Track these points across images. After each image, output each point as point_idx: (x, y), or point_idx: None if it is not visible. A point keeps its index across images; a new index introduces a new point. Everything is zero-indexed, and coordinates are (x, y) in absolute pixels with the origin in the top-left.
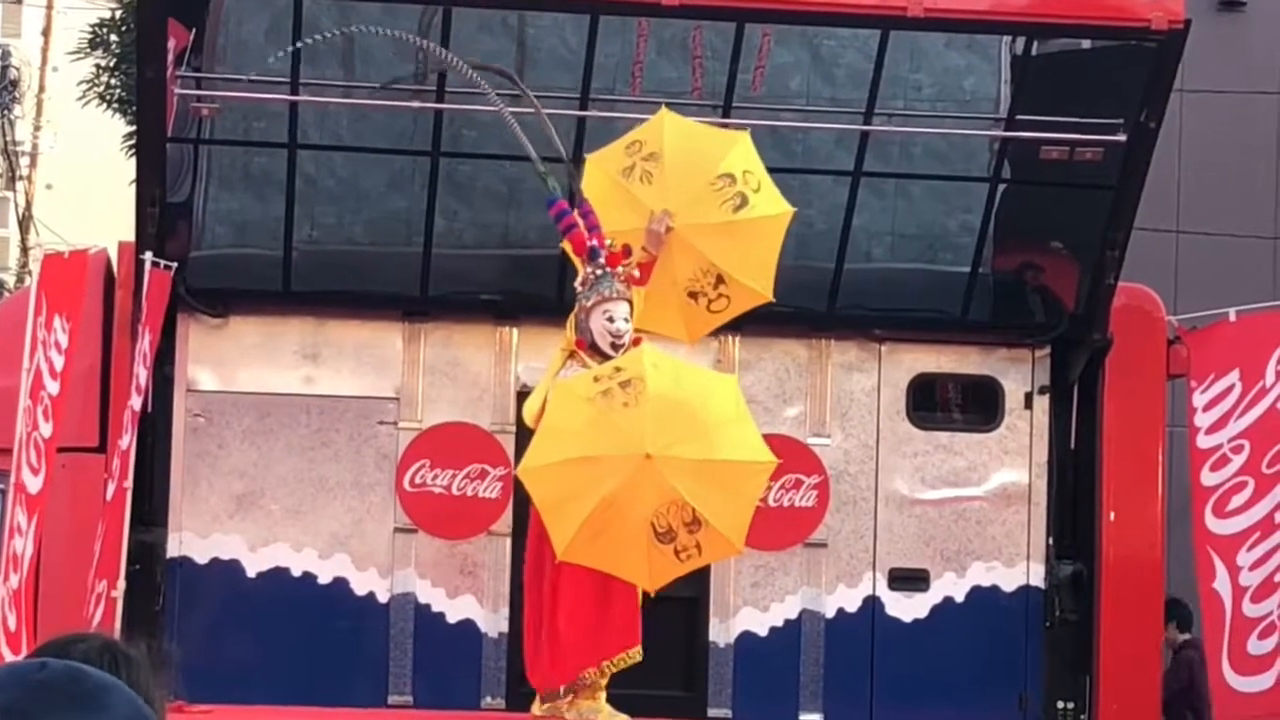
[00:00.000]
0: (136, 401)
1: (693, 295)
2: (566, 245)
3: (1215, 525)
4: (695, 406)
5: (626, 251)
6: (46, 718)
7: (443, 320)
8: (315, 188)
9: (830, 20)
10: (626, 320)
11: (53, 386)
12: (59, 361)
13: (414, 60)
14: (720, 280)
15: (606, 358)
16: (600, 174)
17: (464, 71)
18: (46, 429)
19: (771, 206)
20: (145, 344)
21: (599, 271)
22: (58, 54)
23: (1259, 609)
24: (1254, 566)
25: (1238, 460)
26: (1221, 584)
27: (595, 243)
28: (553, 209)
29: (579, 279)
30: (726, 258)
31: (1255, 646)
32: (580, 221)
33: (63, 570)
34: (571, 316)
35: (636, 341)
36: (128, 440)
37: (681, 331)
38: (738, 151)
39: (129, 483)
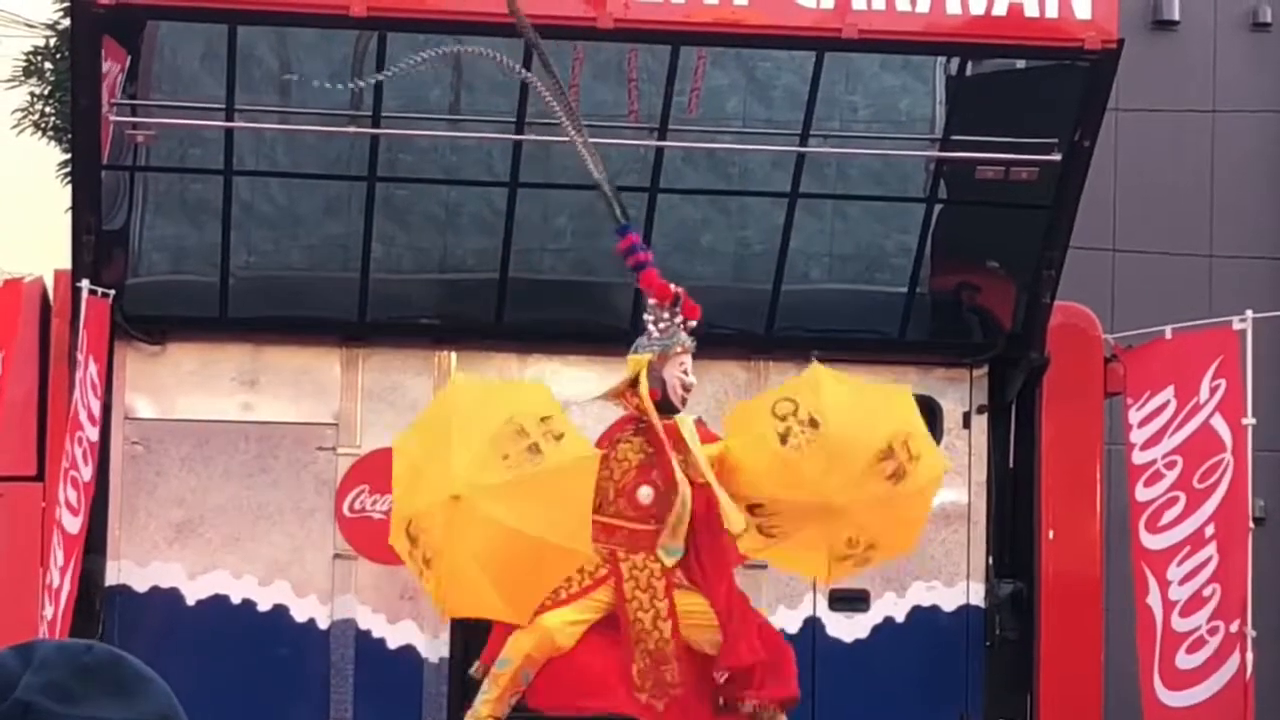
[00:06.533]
0: (93, 432)
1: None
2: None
3: (1149, 540)
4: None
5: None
6: (88, 700)
7: (381, 345)
8: (252, 214)
9: (765, 43)
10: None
11: None
12: None
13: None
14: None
15: (674, 411)
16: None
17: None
18: None
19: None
20: (92, 373)
21: (679, 320)
22: None
23: (1187, 623)
24: (1183, 581)
25: (1171, 476)
26: (1153, 599)
27: (678, 289)
28: (623, 241)
29: (654, 321)
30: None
31: (1184, 661)
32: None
33: None
34: (642, 363)
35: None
36: (89, 472)
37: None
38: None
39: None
